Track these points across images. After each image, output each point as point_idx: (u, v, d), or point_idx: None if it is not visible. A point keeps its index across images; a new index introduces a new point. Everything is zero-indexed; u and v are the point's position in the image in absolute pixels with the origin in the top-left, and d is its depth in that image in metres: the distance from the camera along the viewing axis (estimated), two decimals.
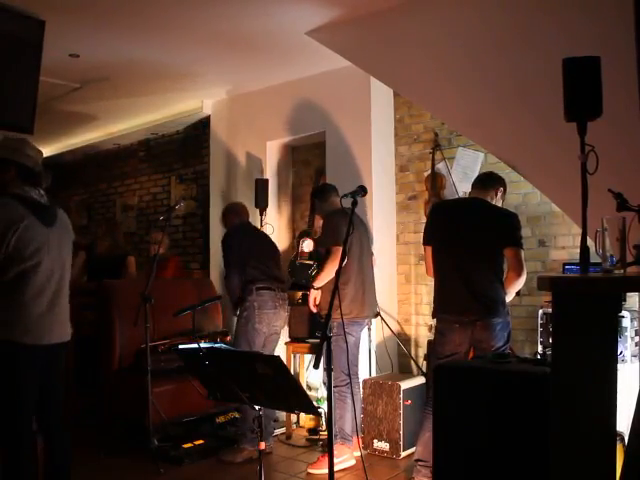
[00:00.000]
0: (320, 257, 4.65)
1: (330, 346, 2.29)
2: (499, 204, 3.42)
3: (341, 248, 3.68)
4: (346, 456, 3.77)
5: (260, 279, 3.99)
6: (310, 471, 3.69)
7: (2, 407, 2.58)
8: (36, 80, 3.85)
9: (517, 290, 3.30)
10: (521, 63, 3.24)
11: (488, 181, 3.42)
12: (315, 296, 3.86)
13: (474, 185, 3.47)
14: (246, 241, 4.09)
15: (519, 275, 3.20)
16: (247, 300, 3.96)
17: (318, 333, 2.21)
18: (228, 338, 4.57)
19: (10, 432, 2.58)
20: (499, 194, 3.39)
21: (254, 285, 3.96)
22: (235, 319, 4.17)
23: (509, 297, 3.27)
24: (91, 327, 4.74)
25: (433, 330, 4.48)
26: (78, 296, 5.00)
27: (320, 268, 3.87)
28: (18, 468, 2.58)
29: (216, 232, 5.55)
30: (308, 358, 4.76)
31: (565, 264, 3.80)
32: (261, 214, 5.06)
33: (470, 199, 3.54)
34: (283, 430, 4.47)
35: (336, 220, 3.69)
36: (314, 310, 3.93)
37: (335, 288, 2.38)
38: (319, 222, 4.22)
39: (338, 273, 2.46)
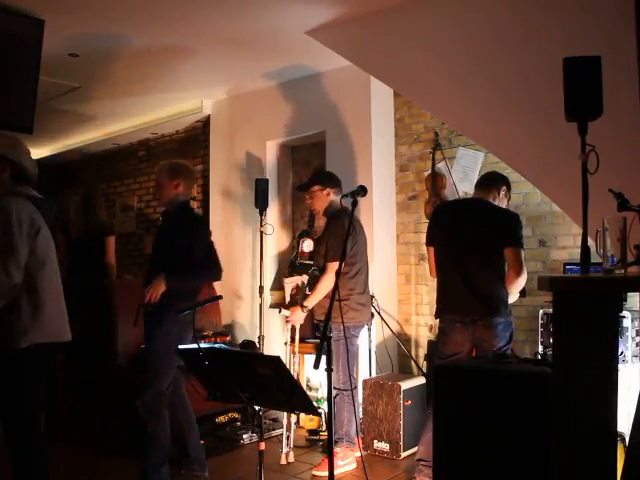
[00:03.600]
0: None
1: (330, 346, 2.29)
2: (504, 203, 3.41)
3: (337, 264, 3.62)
4: (351, 459, 3.79)
5: None
6: (315, 473, 3.69)
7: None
8: (35, 80, 3.84)
9: (519, 290, 3.28)
10: (523, 62, 3.24)
11: (491, 181, 3.41)
12: (298, 319, 3.78)
13: (477, 185, 3.47)
14: None
15: (519, 275, 3.19)
16: None
17: (318, 334, 2.21)
18: (228, 338, 4.56)
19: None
20: (502, 193, 3.38)
21: None
22: None
23: (512, 297, 3.26)
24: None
25: (433, 330, 4.50)
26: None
27: (314, 287, 3.70)
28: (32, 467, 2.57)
29: (216, 232, 5.53)
30: (308, 358, 4.75)
31: (566, 264, 3.79)
32: (261, 214, 5.06)
33: (472, 199, 3.54)
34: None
35: (341, 231, 3.51)
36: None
37: (335, 288, 2.38)
38: (320, 222, 4.19)
39: (338, 273, 2.46)
